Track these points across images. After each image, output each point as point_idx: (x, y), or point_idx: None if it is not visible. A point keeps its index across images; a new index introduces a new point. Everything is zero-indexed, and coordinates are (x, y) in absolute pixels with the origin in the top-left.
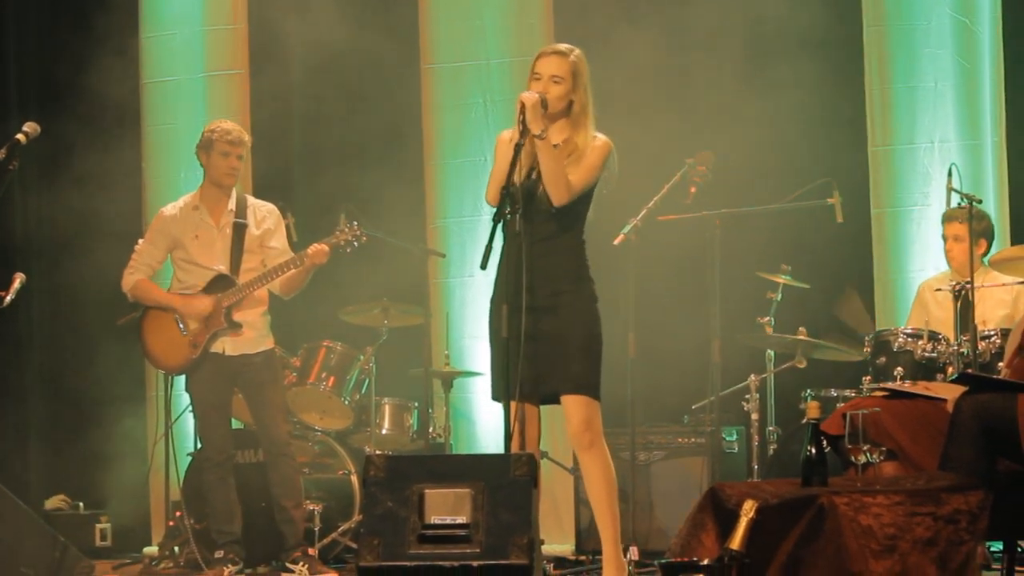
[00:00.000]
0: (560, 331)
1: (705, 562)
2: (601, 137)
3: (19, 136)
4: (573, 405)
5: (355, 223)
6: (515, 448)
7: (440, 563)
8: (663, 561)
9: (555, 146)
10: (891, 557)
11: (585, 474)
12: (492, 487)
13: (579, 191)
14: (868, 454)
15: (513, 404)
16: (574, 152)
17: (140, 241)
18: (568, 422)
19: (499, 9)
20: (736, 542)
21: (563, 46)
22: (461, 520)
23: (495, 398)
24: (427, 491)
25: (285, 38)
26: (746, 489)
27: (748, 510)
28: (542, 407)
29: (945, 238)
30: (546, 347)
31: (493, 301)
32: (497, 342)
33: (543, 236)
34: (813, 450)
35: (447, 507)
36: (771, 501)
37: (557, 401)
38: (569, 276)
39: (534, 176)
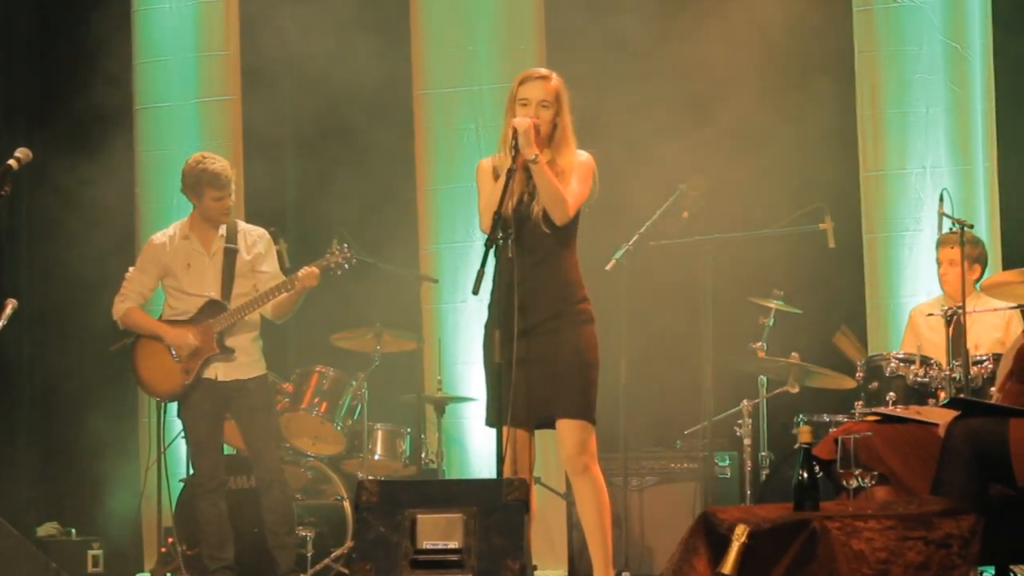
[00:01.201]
0: (556, 354)
1: None
2: (584, 153)
3: (11, 162)
4: (568, 429)
5: (345, 245)
6: (508, 473)
7: None
8: None
9: None
10: None
11: (578, 499)
12: (484, 512)
13: (577, 207)
14: (860, 479)
15: (506, 429)
16: (561, 173)
17: (131, 269)
18: (562, 446)
19: (491, 35)
20: (728, 566)
21: (543, 71)
22: (453, 545)
23: (489, 424)
24: (419, 516)
25: (277, 64)
26: (738, 514)
27: (740, 535)
28: (537, 431)
29: (939, 262)
30: (542, 371)
31: (487, 326)
32: (491, 367)
33: (539, 259)
34: (805, 474)
35: (439, 532)
36: (763, 526)
37: (552, 426)
38: (567, 297)
39: (525, 200)
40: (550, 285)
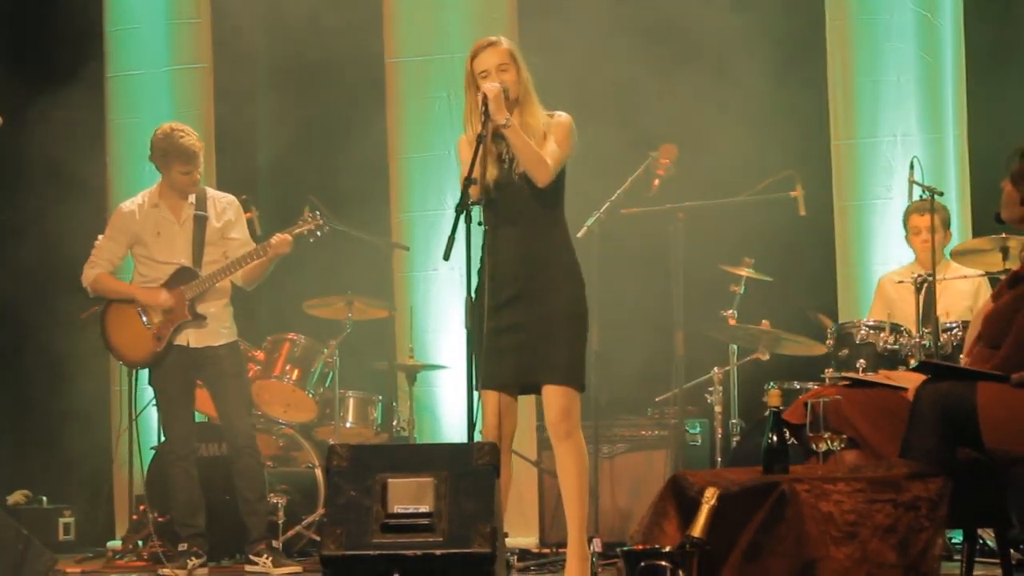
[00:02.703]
0: (542, 318)
1: (667, 549)
2: (561, 113)
3: None
4: (553, 395)
5: (318, 212)
6: (492, 436)
7: (403, 552)
8: (625, 549)
9: None
10: (851, 543)
11: (559, 464)
12: (455, 476)
13: (557, 167)
14: (829, 442)
15: (490, 394)
16: (533, 133)
17: (100, 237)
18: (547, 411)
19: (464, 3)
20: (698, 529)
21: (491, 38)
22: (424, 509)
23: (477, 389)
24: (390, 480)
25: (249, 32)
26: (708, 477)
27: (709, 498)
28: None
29: (916, 230)
30: (530, 335)
31: (476, 292)
32: (474, 333)
33: (525, 223)
34: (774, 438)
35: (410, 496)
36: (732, 489)
37: (539, 391)
38: (552, 262)
39: (506, 166)
40: (537, 249)
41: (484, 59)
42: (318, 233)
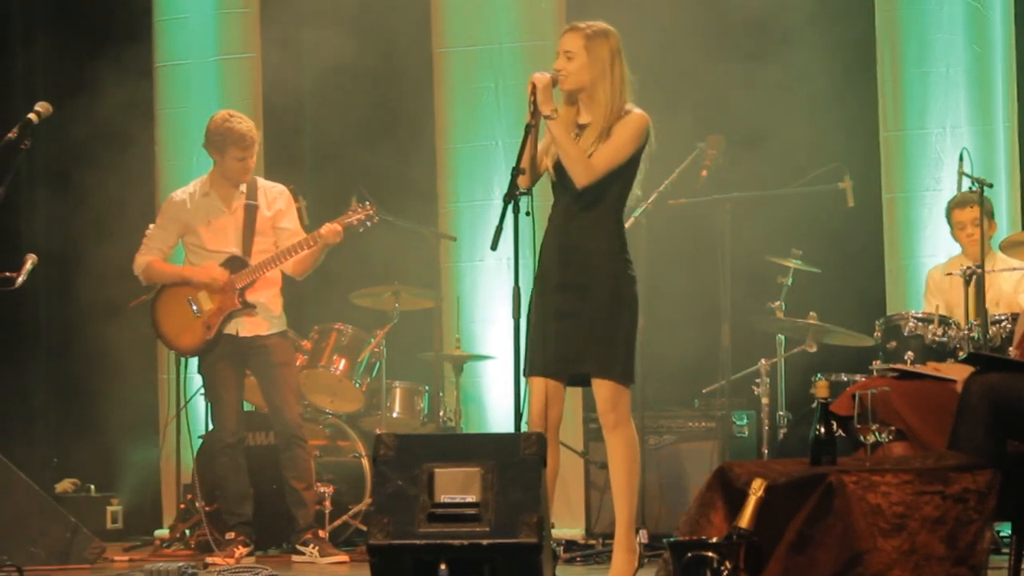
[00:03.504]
0: (592, 311)
1: (713, 540)
2: (635, 111)
3: (31, 115)
4: (601, 387)
5: (367, 202)
6: (538, 424)
7: (449, 542)
8: (671, 540)
9: (585, 126)
10: (899, 535)
11: (609, 455)
12: (502, 466)
13: (603, 171)
14: (877, 433)
15: (537, 381)
16: (597, 131)
17: (151, 225)
18: (597, 402)
19: None
20: (745, 520)
21: (583, 23)
22: (471, 499)
23: (524, 375)
24: (437, 470)
25: (297, 22)
26: (755, 468)
27: (757, 489)
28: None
29: (961, 224)
30: (578, 326)
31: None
32: (528, 321)
33: (573, 215)
34: (822, 429)
35: (457, 486)
36: (780, 480)
37: (588, 383)
38: (603, 255)
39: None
40: (585, 242)
41: (562, 40)
42: (368, 223)
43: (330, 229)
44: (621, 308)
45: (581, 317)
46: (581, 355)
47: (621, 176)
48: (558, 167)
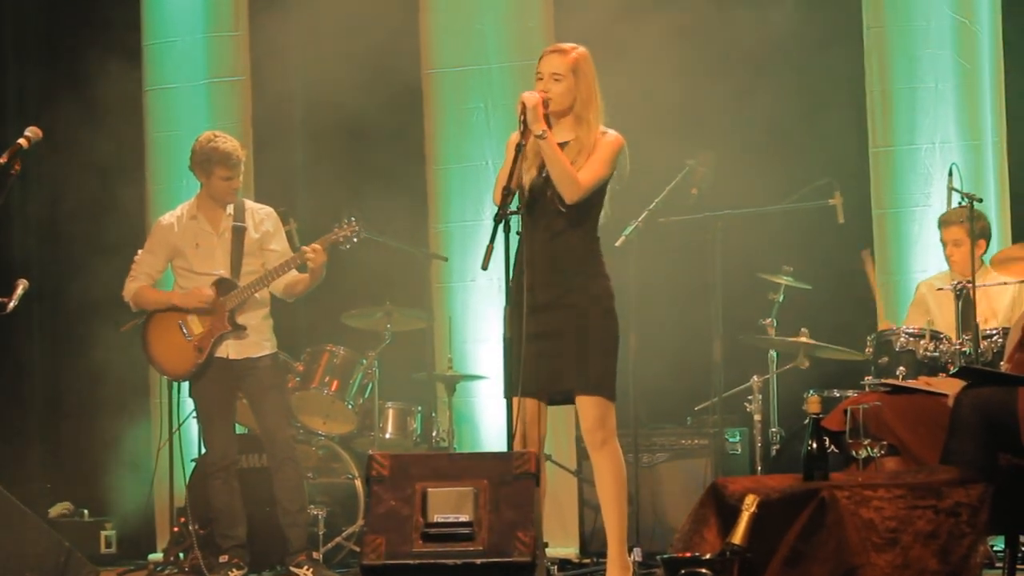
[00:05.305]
0: (572, 329)
1: (707, 556)
2: (611, 132)
3: (21, 140)
4: (586, 405)
5: (352, 219)
6: (518, 445)
7: (443, 561)
8: (665, 556)
9: (563, 144)
10: (893, 550)
11: (596, 473)
12: (495, 485)
13: (589, 188)
14: (869, 449)
15: (516, 401)
16: (582, 150)
17: (140, 251)
18: (582, 420)
19: (500, 13)
20: (738, 536)
21: (566, 45)
22: (464, 518)
23: (505, 396)
24: (430, 489)
25: (286, 44)
26: (748, 484)
27: (749, 504)
28: (550, 408)
29: (944, 243)
30: (559, 345)
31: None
32: (505, 342)
33: (554, 234)
34: (814, 445)
35: (450, 505)
36: (772, 495)
37: (571, 401)
38: (583, 273)
39: (544, 175)
40: (566, 260)
41: (545, 62)
42: (354, 239)
43: (311, 248)
44: (606, 325)
45: (564, 336)
46: (565, 374)
47: (597, 195)
48: (537, 187)
